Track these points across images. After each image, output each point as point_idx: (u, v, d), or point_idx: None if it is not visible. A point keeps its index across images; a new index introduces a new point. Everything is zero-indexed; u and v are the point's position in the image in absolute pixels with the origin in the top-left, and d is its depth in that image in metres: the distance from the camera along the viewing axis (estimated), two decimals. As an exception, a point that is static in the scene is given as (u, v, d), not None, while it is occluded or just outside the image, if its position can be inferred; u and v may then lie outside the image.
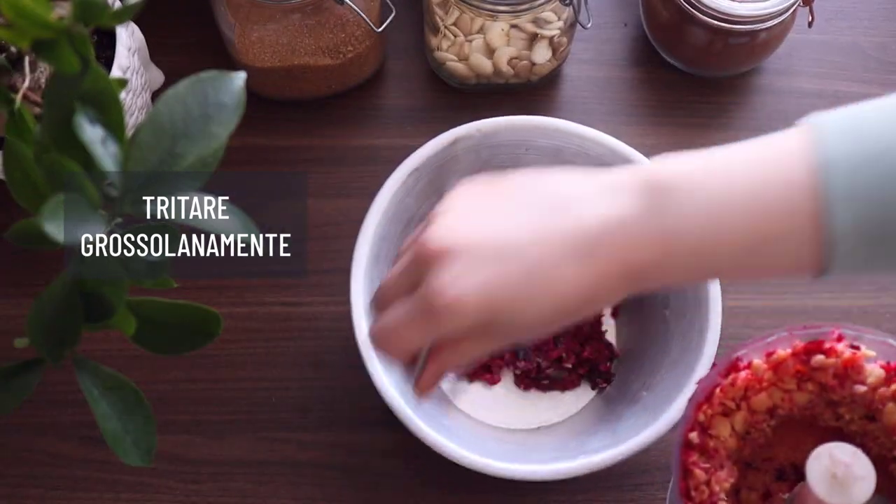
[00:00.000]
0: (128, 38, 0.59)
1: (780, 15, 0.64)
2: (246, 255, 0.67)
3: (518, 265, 0.41)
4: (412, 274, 0.44)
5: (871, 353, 0.45)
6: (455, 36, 0.66)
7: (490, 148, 0.59)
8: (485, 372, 0.63)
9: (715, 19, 0.64)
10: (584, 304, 0.42)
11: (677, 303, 0.58)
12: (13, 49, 0.55)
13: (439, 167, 0.58)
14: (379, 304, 0.50)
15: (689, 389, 0.52)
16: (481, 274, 0.41)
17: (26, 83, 0.53)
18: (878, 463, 0.40)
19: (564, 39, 0.68)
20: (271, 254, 0.67)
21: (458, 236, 0.43)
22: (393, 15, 0.66)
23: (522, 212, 0.43)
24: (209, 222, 0.33)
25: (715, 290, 0.55)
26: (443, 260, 0.42)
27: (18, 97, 0.45)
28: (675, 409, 0.52)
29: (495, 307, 0.42)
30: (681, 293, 0.57)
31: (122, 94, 0.58)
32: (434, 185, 0.59)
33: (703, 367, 0.53)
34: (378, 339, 0.49)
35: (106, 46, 0.59)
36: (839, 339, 0.45)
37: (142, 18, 0.65)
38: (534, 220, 0.42)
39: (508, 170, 0.61)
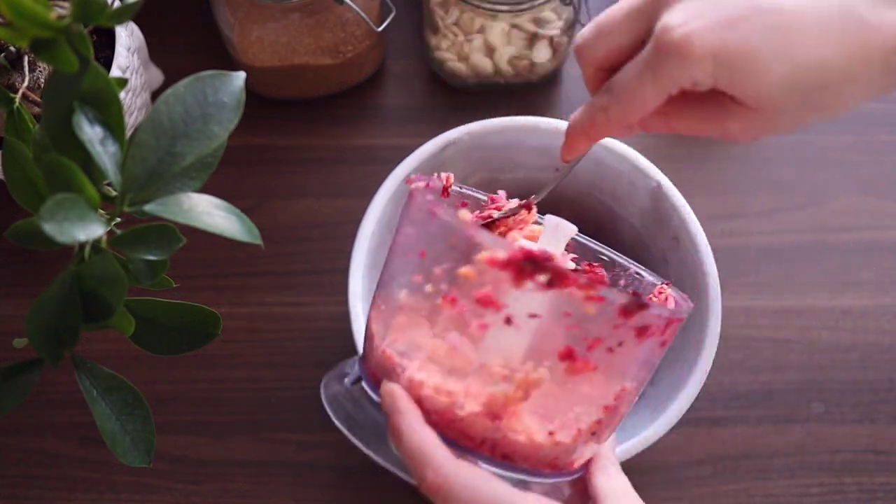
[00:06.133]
0: (127, 38, 0.59)
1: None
2: (245, 254, 0.67)
3: (768, 15, 0.37)
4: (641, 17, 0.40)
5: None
6: (455, 35, 0.66)
7: (480, 150, 0.59)
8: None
9: (715, 19, 0.64)
10: (837, 80, 0.37)
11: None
12: (12, 48, 0.55)
13: (431, 173, 0.58)
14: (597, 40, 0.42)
15: (690, 387, 0.52)
16: (718, 10, 0.37)
17: (25, 83, 0.53)
18: None
19: (565, 39, 0.67)
20: (270, 253, 0.67)
21: None
22: (393, 14, 0.66)
23: None
24: (209, 222, 0.33)
25: (714, 283, 0.55)
26: (674, 2, 0.38)
27: (17, 97, 0.45)
28: (677, 408, 0.52)
29: (728, 53, 0.36)
30: (680, 288, 0.57)
31: (122, 94, 0.58)
32: None
33: (703, 365, 0.53)
34: (604, 102, 0.41)
35: (105, 46, 0.59)
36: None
37: (141, 18, 0.65)
38: None
39: (499, 172, 0.61)
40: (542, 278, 0.36)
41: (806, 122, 0.40)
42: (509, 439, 0.38)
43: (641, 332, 0.38)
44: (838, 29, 0.37)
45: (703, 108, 0.41)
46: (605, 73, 0.43)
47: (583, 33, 0.43)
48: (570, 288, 0.36)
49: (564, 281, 0.36)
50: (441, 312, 0.38)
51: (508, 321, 0.37)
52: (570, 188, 0.62)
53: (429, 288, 0.38)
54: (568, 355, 0.38)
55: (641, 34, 0.40)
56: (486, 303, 0.37)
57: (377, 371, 0.40)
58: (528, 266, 0.36)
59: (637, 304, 0.37)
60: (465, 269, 0.37)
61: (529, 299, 0.36)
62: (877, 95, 0.39)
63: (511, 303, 0.37)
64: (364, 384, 0.41)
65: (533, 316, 0.37)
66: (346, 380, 0.42)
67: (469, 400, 0.38)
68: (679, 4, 0.38)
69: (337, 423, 0.41)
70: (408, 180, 0.43)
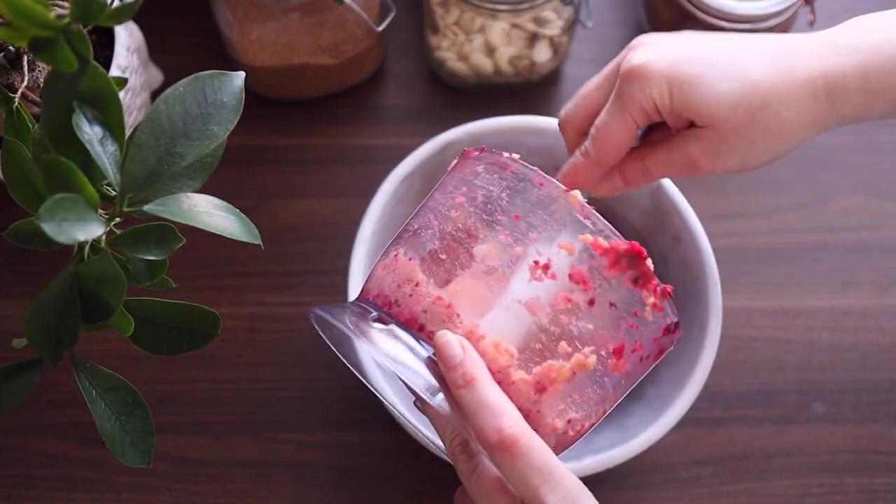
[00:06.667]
0: (127, 38, 0.59)
1: (782, 14, 0.64)
2: (245, 254, 0.67)
3: (709, 51, 0.46)
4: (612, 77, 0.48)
5: None
6: (455, 35, 0.66)
7: None
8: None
9: (716, 18, 0.64)
10: (769, 101, 0.45)
11: (677, 297, 0.58)
12: (12, 48, 0.54)
13: (430, 173, 0.58)
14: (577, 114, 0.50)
15: (690, 387, 0.52)
16: (671, 50, 0.46)
17: (25, 83, 0.53)
18: None
19: (565, 38, 0.67)
20: (270, 253, 0.67)
21: (657, 40, 0.48)
22: (393, 14, 0.66)
23: (718, 39, 0.48)
24: (208, 222, 0.33)
25: (715, 283, 0.55)
26: (638, 46, 0.47)
27: (17, 96, 0.44)
28: (679, 407, 0.52)
29: (680, 77, 0.45)
30: (680, 288, 0.57)
31: (122, 94, 0.58)
32: (426, 191, 0.59)
33: (703, 365, 0.53)
34: (583, 148, 0.49)
35: (105, 46, 0.59)
36: None
37: (141, 18, 0.65)
38: (730, 40, 0.47)
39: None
40: (631, 274, 0.39)
41: (758, 148, 0.46)
42: (540, 415, 0.39)
43: (661, 352, 0.42)
44: (769, 60, 0.45)
45: (670, 142, 0.48)
46: (586, 137, 0.49)
47: (565, 106, 0.51)
48: (647, 291, 0.40)
49: (647, 284, 0.40)
50: (524, 275, 0.40)
51: (591, 303, 0.39)
52: (570, 188, 0.62)
53: (519, 249, 0.40)
54: (619, 352, 0.40)
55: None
56: (579, 279, 0.40)
57: (418, 316, 0.40)
58: (624, 259, 0.39)
59: (677, 325, 0.41)
60: (565, 243, 0.40)
61: (614, 289, 0.40)
62: (815, 127, 0.46)
63: (597, 286, 0.39)
64: (395, 326, 0.41)
65: (612, 305, 0.40)
66: (370, 315, 0.42)
67: (523, 366, 0.39)
68: (639, 49, 0.47)
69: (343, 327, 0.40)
70: (481, 149, 0.44)
